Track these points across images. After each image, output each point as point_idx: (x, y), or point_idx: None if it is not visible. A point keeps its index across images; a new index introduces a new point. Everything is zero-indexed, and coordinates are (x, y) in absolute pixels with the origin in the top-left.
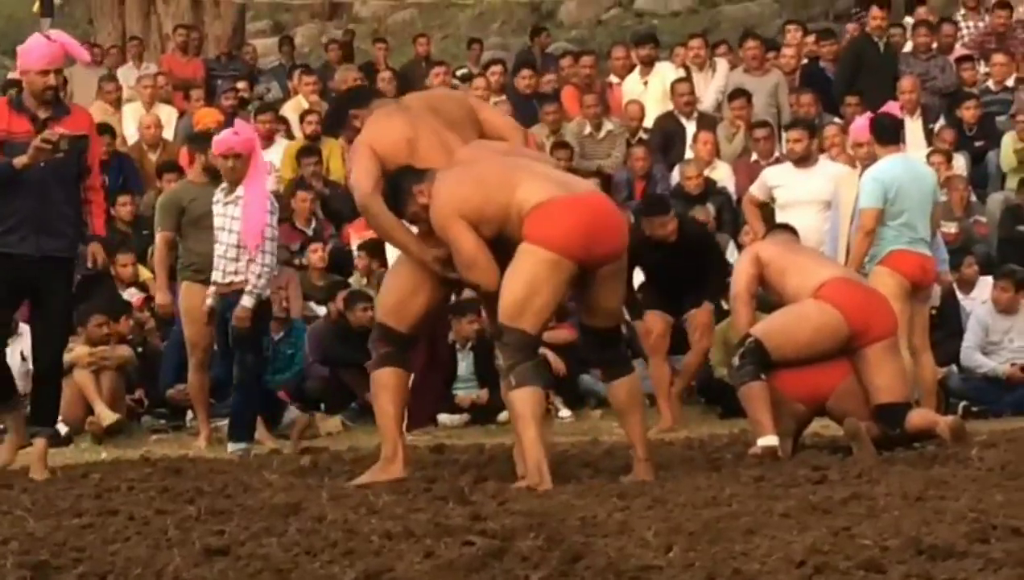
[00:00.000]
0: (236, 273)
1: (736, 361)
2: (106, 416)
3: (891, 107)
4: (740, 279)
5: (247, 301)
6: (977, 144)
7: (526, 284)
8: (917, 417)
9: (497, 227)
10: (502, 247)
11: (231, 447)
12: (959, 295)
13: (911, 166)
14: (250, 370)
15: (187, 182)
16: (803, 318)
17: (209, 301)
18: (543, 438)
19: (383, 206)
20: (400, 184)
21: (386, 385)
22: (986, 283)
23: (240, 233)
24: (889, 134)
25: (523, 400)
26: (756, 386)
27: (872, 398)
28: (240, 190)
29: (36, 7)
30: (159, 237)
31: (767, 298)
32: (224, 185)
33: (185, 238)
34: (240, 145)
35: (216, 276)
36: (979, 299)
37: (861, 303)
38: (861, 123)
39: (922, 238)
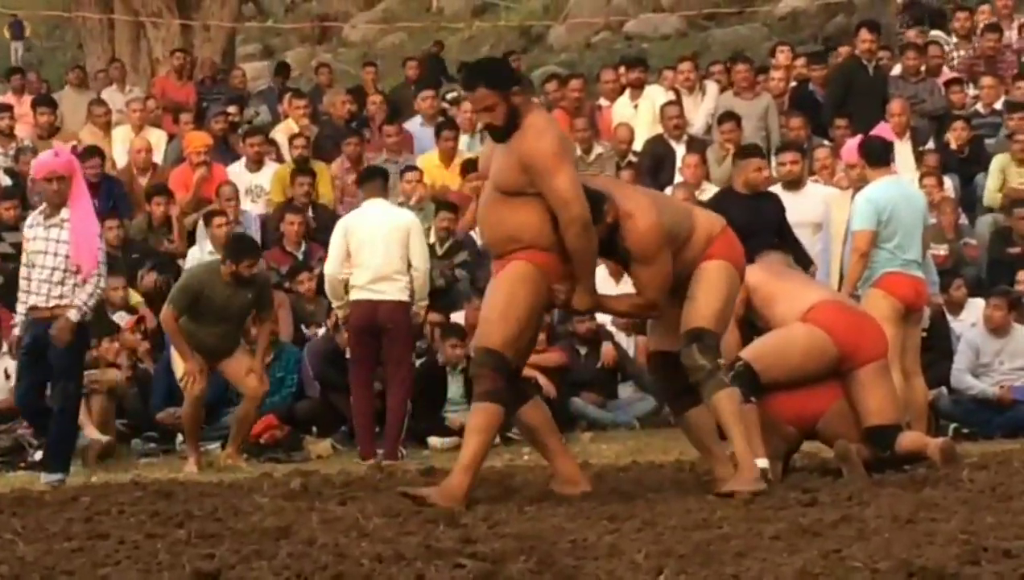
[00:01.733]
0: (61, 297)
1: None
2: (96, 439)
3: (883, 129)
4: None
5: (73, 314)
6: (966, 163)
7: (727, 298)
8: (907, 440)
9: (673, 250)
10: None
11: (45, 478)
12: (948, 317)
13: (903, 188)
14: (71, 399)
15: (214, 273)
16: (792, 341)
17: (17, 330)
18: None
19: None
20: (592, 203)
21: (537, 422)
22: (976, 305)
23: (69, 256)
24: (879, 156)
25: (732, 398)
26: (746, 409)
27: (863, 420)
28: (65, 213)
29: (6, 31)
30: (167, 310)
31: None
32: (43, 208)
33: (188, 320)
34: (62, 167)
35: (38, 301)
36: (969, 321)
37: (850, 325)
38: (852, 145)
39: (914, 260)
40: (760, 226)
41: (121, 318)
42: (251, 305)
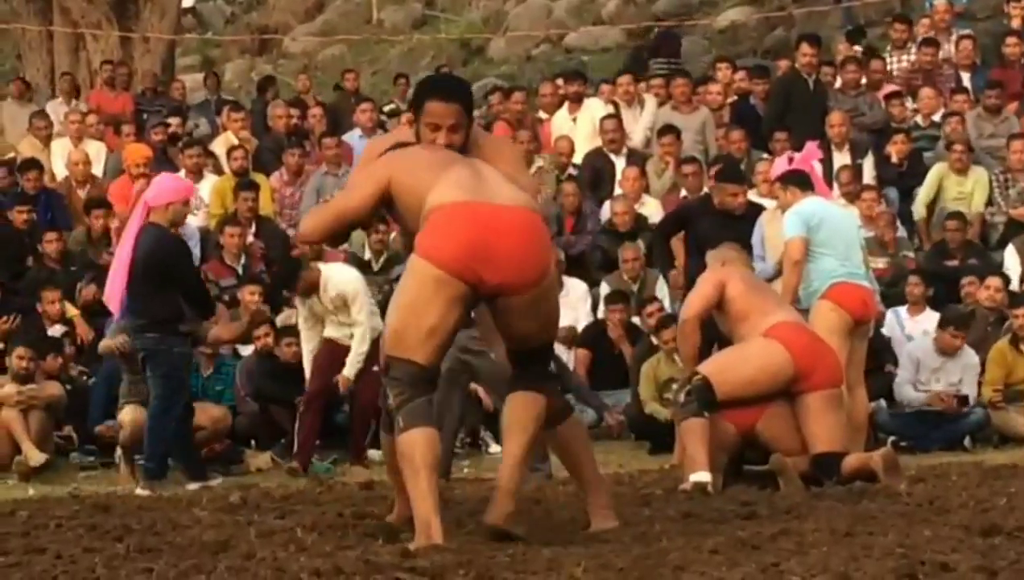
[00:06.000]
0: None
1: (682, 397)
2: (33, 456)
3: (810, 149)
4: (697, 303)
5: None
6: (905, 176)
7: (410, 306)
8: (851, 462)
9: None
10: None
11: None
12: (905, 317)
13: (829, 206)
14: None
15: None
16: (750, 354)
17: None
18: (435, 488)
19: None
20: None
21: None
22: (924, 316)
23: None
24: (805, 183)
25: (412, 443)
26: (697, 422)
27: (810, 446)
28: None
29: None
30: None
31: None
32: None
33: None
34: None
35: None
36: (918, 331)
37: (808, 346)
38: (782, 165)
39: (860, 270)
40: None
41: (58, 332)
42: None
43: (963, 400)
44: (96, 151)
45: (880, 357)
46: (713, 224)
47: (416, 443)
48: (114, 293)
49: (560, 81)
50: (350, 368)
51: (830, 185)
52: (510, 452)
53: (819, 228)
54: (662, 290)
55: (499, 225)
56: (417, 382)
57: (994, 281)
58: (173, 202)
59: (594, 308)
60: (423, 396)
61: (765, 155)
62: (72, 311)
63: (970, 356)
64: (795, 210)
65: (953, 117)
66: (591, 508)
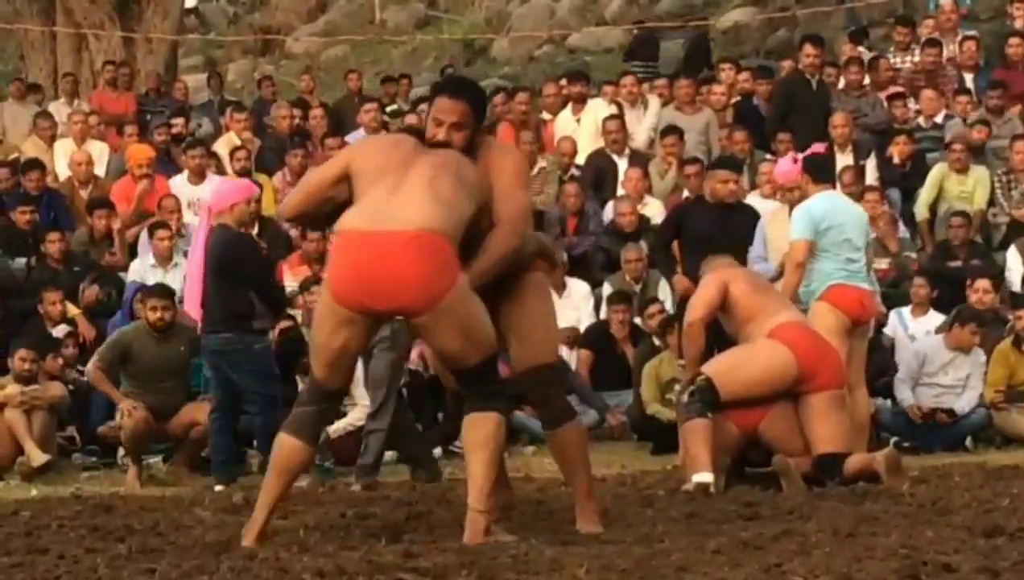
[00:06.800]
0: None
1: (685, 397)
2: (36, 457)
3: (817, 149)
4: (700, 307)
5: None
6: (908, 177)
7: (314, 324)
8: (853, 462)
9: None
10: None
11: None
12: (908, 318)
13: (842, 202)
14: None
15: (142, 331)
16: (754, 355)
17: None
18: (276, 492)
19: None
20: None
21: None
22: (924, 319)
23: None
24: (824, 172)
25: (276, 446)
26: (700, 423)
27: (812, 447)
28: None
29: None
30: (92, 363)
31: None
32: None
33: (130, 385)
34: None
35: None
36: (921, 332)
37: (812, 347)
38: (785, 168)
39: (860, 272)
40: (726, 237)
41: (60, 332)
42: (187, 357)
43: (950, 413)
44: (99, 151)
45: (880, 363)
46: (706, 218)
47: (277, 447)
48: (194, 302)
49: (563, 82)
50: (334, 431)
51: (833, 186)
52: (473, 474)
53: (827, 231)
54: (664, 291)
55: (383, 253)
56: (311, 393)
57: (982, 283)
58: (237, 202)
59: (596, 309)
60: (310, 407)
61: (768, 156)
62: (74, 311)
63: (979, 354)
64: (807, 208)
65: (977, 122)
66: (579, 511)
